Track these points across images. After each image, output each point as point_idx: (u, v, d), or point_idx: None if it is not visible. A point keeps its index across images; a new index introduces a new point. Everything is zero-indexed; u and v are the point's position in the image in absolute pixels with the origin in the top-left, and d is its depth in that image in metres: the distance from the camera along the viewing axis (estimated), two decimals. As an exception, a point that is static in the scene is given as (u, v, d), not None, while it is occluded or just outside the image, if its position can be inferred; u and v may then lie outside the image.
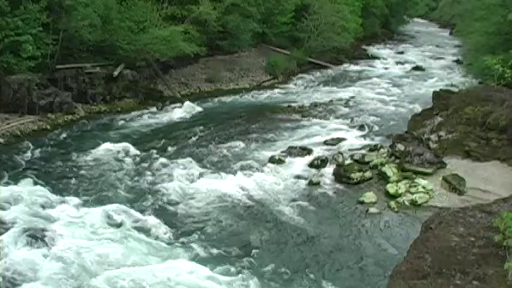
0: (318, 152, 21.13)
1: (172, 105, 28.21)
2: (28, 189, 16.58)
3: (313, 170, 19.48)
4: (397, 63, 45.66)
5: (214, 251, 13.98)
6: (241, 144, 22.18)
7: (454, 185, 17.07)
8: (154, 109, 27.57)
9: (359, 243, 14.75)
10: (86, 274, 12.42)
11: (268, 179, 18.66)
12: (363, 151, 20.88)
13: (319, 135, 23.67)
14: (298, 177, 18.96)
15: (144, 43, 28.22)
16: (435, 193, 17.13)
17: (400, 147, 19.66)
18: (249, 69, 37.06)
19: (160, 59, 29.99)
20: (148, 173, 18.97)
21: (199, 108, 28.17)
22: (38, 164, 19.44)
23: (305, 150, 21.10)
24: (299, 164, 19.96)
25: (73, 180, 18.06)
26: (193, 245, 14.13)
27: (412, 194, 17.10)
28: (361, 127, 24.99)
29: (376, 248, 14.46)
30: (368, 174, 18.77)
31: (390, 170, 18.49)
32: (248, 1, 35.57)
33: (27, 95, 23.41)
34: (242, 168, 19.39)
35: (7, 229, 13.92)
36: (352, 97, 32.04)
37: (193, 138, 23.11)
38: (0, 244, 13.17)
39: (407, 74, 40.93)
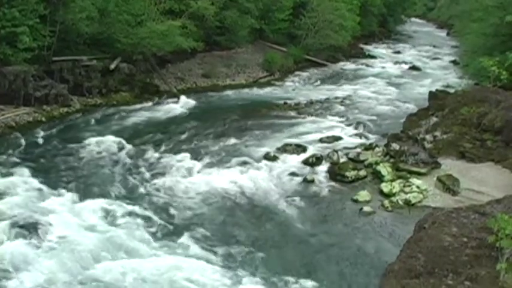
0: (313, 149, 21.13)
1: (168, 100, 28.20)
2: (22, 181, 16.56)
3: (308, 168, 19.49)
4: (394, 62, 45.73)
5: (208, 245, 13.97)
6: (237, 140, 22.16)
7: (448, 185, 17.10)
8: (150, 103, 27.55)
9: (352, 242, 14.76)
10: (78, 266, 12.41)
11: (263, 176, 18.66)
12: (358, 150, 20.88)
13: (315, 133, 23.66)
14: (292, 174, 18.95)
15: (142, 37, 28.16)
16: (429, 193, 17.16)
17: (395, 146, 19.69)
18: (246, 65, 37.04)
19: (157, 53, 29.96)
20: (143, 167, 18.95)
21: (195, 104, 28.13)
22: (32, 156, 19.37)
23: (300, 148, 21.11)
24: (294, 161, 19.96)
25: (67, 173, 18.02)
26: (187, 240, 14.13)
27: (406, 193, 17.13)
28: (356, 126, 25.00)
29: (369, 247, 14.47)
30: (363, 172, 18.79)
31: (385, 169, 18.52)
32: (246, -3, 35.59)
33: (23, 86, 23.34)
34: (237, 164, 19.38)
35: (0, 220, 13.88)
36: (349, 95, 32.08)
37: (189, 134, 23.08)
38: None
39: (404, 73, 40.99)
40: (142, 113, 25.91)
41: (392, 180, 17.93)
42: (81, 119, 24.22)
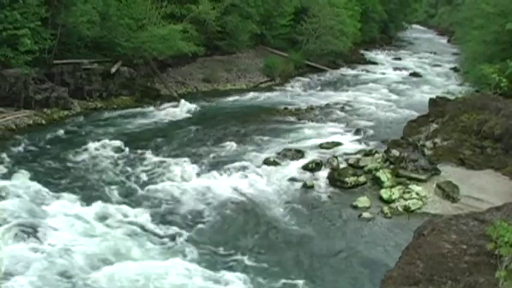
0: (313, 155, 21.11)
1: (169, 104, 28.22)
2: (21, 184, 16.52)
3: (308, 173, 19.45)
4: (395, 69, 45.80)
5: (206, 250, 13.96)
6: (236, 145, 22.15)
7: (448, 192, 17.08)
8: (150, 107, 27.59)
9: (351, 248, 14.73)
10: (77, 271, 12.38)
11: (262, 181, 18.63)
12: (358, 155, 20.86)
13: (315, 139, 23.64)
14: (292, 179, 18.93)
15: (143, 41, 28.23)
16: (428, 200, 17.13)
17: (395, 152, 19.66)
18: (247, 70, 37.11)
19: (158, 58, 30.02)
20: (143, 171, 18.94)
21: (195, 108, 28.14)
22: (32, 159, 19.37)
23: (300, 153, 21.09)
24: (294, 167, 19.92)
25: (67, 176, 18.02)
26: (185, 244, 14.11)
27: (406, 200, 17.10)
28: (356, 131, 24.98)
29: (368, 253, 14.44)
30: (362, 178, 18.76)
31: (384, 175, 18.50)
32: (247, 2, 35.65)
33: (24, 89, 23.37)
34: (236, 169, 19.34)
35: (-1, 223, 13.88)
36: (349, 101, 32.09)
37: (189, 138, 23.09)
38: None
39: (405, 80, 41.04)
40: (142, 117, 25.94)
41: (391, 187, 17.90)
42: (82, 122, 24.24)
